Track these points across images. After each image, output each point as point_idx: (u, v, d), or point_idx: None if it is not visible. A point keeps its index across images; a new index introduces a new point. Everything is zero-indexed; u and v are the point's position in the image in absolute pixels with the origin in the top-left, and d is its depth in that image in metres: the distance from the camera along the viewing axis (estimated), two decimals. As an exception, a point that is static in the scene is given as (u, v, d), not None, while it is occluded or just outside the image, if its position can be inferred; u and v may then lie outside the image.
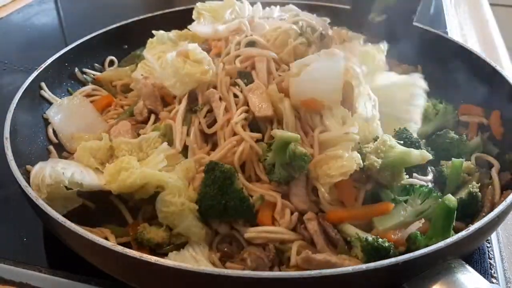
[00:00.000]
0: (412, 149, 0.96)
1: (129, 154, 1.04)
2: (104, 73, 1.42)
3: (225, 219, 0.95)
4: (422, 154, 0.95)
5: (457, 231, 0.81)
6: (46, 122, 1.23)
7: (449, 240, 0.75)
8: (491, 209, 0.83)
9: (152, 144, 1.06)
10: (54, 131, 1.21)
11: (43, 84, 1.27)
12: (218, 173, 0.94)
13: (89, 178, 0.97)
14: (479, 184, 1.01)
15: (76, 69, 1.40)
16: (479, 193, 0.97)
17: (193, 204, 0.94)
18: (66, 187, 0.94)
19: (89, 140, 1.09)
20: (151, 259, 0.73)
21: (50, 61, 1.31)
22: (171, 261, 0.75)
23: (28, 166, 1.02)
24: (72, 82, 1.39)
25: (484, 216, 0.81)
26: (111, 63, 1.50)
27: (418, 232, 0.88)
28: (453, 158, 1.04)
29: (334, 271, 0.71)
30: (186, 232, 0.92)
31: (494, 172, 1.06)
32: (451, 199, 0.86)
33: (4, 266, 0.94)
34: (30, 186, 0.91)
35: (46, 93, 1.26)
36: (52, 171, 0.94)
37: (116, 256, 0.76)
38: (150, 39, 1.36)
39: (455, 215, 0.86)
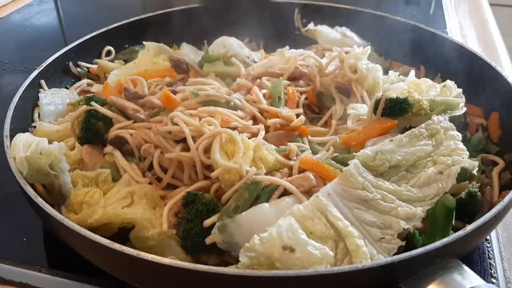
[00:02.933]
0: None
1: (85, 187, 0.97)
2: (98, 66, 1.42)
3: (215, 253, 0.89)
4: None
5: (456, 230, 0.81)
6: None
7: (446, 240, 0.75)
8: (489, 209, 0.83)
9: (105, 179, 0.99)
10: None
11: (42, 82, 1.27)
12: (200, 206, 0.88)
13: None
14: (479, 184, 1.01)
15: (70, 63, 1.40)
16: (479, 193, 0.97)
17: (170, 230, 0.89)
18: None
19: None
20: (148, 257, 0.73)
21: (51, 59, 1.31)
22: (168, 259, 0.75)
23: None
24: (73, 80, 1.39)
25: (481, 216, 0.81)
26: (108, 53, 1.50)
27: (417, 232, 0.88)
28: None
29: (330, 270, 0.72)
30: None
31: (494, 172, 1.05)
32: (450, 199, 0.86)
33: (4, 266, 0.94)
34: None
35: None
36: (25, 142, 0.95)
37: (114, 254, 0.76)
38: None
39: (454, 214, 0.86)
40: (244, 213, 0.86)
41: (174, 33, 1.53)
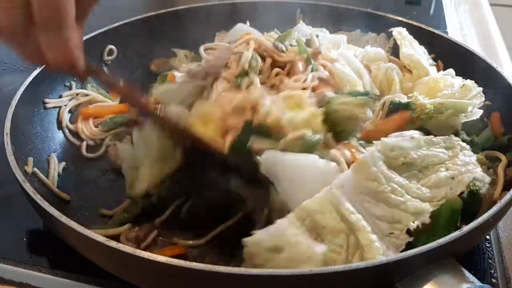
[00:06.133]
0: None
1: None
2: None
3: None
4: None
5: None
6: (47, 119, 1.24)
7: (442, 241, 0.75)
8: (489, 207, 0.83)
9: None
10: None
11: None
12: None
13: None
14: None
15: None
16: (480, 192, 0.96)
17: None
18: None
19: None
20: (144, 255, 0.73)
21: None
22: (164, 257, 0.74)
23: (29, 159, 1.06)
24: (75, 79, 1.39)
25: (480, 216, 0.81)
26: (110, 52, 1.49)
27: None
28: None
29: (325, 269, 0.72)
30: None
31: (499, 168, 1.05)
32: (456, 200, 0.86)
33: (4, 266, 0.94)
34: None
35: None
36: None
37: (110, 252, 0.76)
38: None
39: (459, 216, 0.86)
40: (295, 156, 0.89)
41: (176, 33, 1.53)
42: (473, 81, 1.13)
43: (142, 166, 1.02)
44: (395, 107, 1.06)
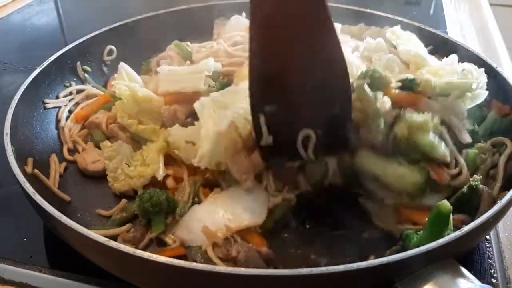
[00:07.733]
0: (442, 144, 0.98)
1: None
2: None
3: None
4: (445, 155, 0.98)
5: (462, 223, 0.84)
6: (47, 119, 1.24)
7: (441, 241, 0.75)
8: (489, 204, 0.83)
9: None
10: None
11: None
12: None
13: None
14: (480, 176, 1.00)
15: (78, 63, 1.40)
16: (480, 187, 0.96)
17: None
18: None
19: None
20: (144, 255, 0.74)
21: (54, 58, 1.31)
22: (164, 257, 0.74)
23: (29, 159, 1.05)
24: (75, 79, 1.39)
25: (479, 216, 0.81)
26: (110, 52, 1.50)
27: (413, 232, 0.88)
28: (468, 149, 1.04)
29: (326, 269, 0.72)
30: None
31: (501, 162, 1.04)
32: (445, 205, 0.85)
33: (4, 266, 0.94)
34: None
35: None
36: None
37: (110, 252, 0.76)
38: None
39: (450, 219, 0.86)
40: None
41: (176, 33, 1.53)
42: (472, 64, 1.12)
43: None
44: (402, 82, 1.05)
